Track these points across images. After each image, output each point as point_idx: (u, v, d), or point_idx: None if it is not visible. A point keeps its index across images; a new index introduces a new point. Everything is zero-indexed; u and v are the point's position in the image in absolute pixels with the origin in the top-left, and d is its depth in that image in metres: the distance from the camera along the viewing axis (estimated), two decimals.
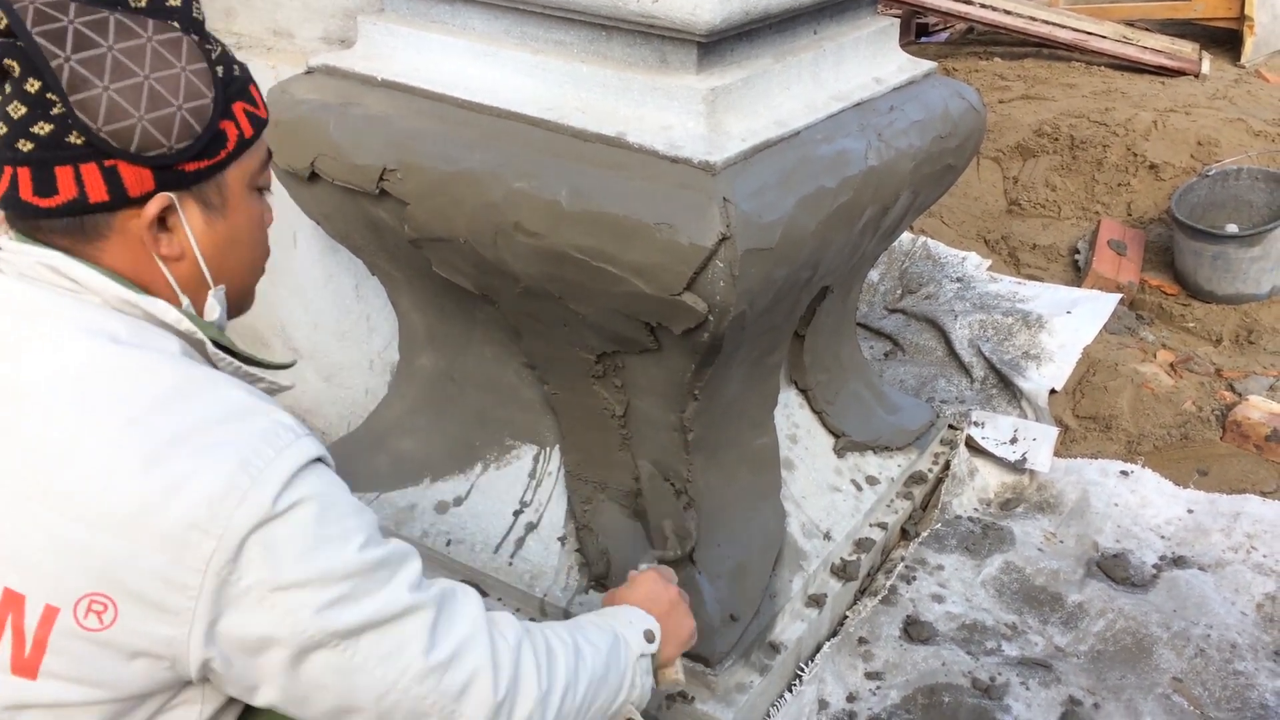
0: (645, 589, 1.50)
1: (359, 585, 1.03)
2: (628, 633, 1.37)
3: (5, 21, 1.01)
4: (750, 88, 1.72)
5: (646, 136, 1.64)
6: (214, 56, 1.11)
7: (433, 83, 1.85)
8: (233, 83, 1.14)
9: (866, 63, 2.02)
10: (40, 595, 0.96)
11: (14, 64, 1.02)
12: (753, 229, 1.54)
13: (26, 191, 1.04)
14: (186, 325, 1.10)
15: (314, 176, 1.87)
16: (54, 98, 1.02)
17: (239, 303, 1.25)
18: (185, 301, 1.14)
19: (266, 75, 2.23)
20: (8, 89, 1.03)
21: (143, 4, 1.07)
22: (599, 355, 1.79)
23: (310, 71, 2.00)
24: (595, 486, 1.97)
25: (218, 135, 1.11)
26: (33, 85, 1.02)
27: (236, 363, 1.16)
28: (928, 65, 2.14)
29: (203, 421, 0.99)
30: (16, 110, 1.03)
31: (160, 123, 1.05)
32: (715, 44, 1.67)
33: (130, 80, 1.03)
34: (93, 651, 0.98)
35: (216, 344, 1.14)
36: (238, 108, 1.14)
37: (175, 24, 1.08)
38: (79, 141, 1.03)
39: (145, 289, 1.10)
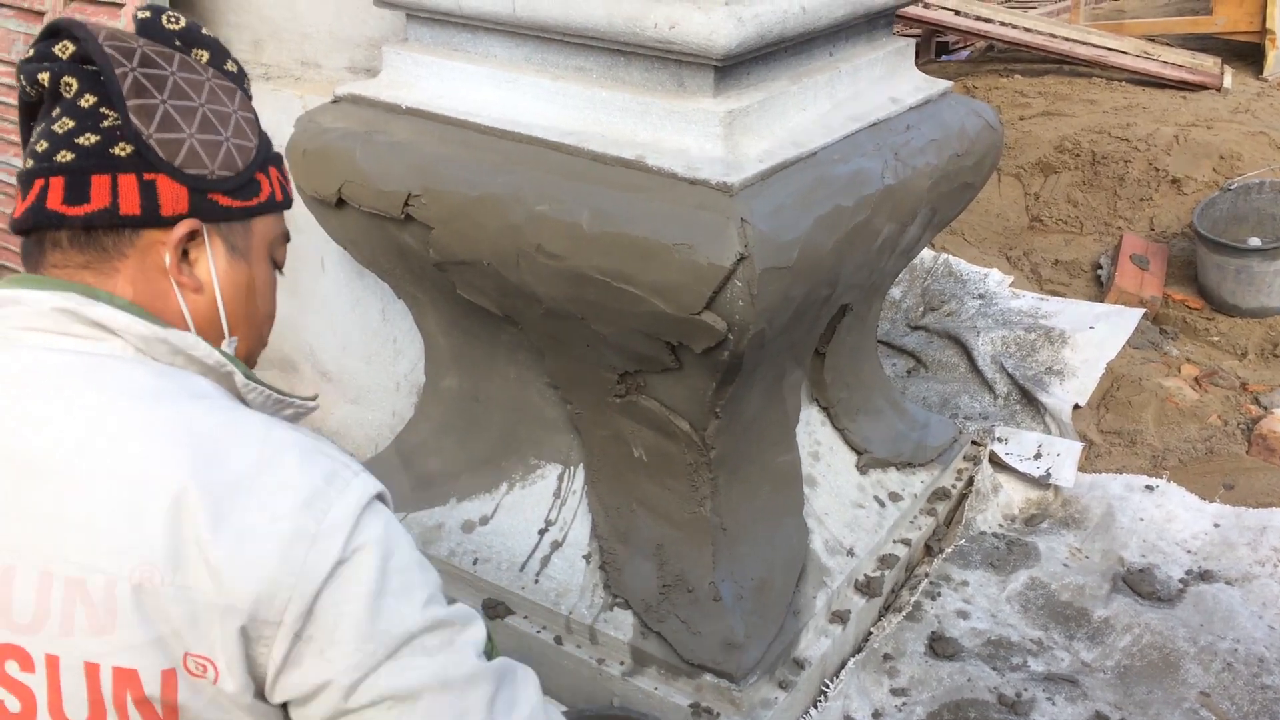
0: None
1: (419, 645, 0.98)
2: None
3: (72, 48, 1.04)
4: (767, 110, 1.75)
5: (665, 159, 1.67)
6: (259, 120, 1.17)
7: (455, 109, 1.89)
8: (271, 147, 1.17)
9: (882, 83, 2.05)
10: (154, 668, 0.92)
11: (72, 80, 1.04)
12: (770, 248, 1.56)
13: (55, 200, 1.03)
14: (216, 358, 1.05)
15: (341, 203, 1.91)
16: (107, 111, 1.03)
17: (246, 361, 1.17)
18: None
19: (294, 105, 2.28)
20: (56, 110, 1.05)
21: (205, 58, 1.13)
22: (621, 374, 1.81)
23: (337, 100, 2.04)
24: (619, 504, 1.99)
25: (254, 182, 1.13)
26: (87, 100, 1.04)
27: (267, 391, 1.10)
28: (944, 84, 2.16)
29: (257, 466, 0.95)
30: (64, 125, 1.04)
31: (208, 146, 1.08)
32: (732, 67, 1.70)
33: (187, 102, 1.07)
34: (208, 703, 0.95)
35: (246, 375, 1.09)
36: (273, 171, 1.17)
37: (231, 82, 1.14)
38: (123, 153, 1.04)
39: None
